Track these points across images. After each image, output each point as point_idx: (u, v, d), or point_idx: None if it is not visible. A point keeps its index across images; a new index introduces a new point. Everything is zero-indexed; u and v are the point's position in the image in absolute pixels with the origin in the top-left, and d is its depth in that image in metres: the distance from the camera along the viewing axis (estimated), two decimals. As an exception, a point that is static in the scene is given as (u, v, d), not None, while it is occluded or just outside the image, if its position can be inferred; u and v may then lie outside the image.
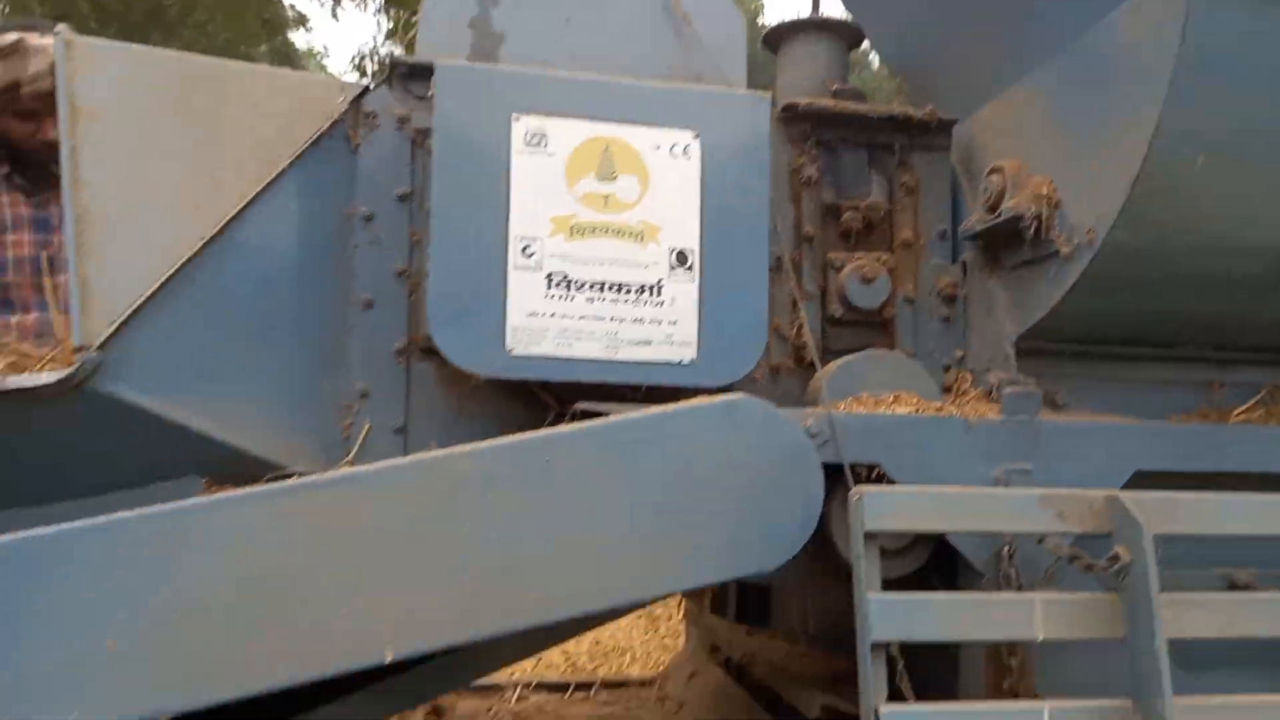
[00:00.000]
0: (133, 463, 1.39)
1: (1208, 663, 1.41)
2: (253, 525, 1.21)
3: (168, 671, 1.19)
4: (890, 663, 1.26)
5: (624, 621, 5.63)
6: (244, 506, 1.21)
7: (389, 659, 1.24)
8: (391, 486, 1.25)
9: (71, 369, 1.26)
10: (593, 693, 2.84)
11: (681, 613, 5.45)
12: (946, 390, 1.65)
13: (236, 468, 1.38)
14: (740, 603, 2.63)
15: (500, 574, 1.26)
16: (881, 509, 1.25)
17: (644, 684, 2.91)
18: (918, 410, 1.49)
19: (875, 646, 1.24)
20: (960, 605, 1.28)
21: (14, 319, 2.05)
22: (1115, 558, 1.27)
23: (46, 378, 1.26)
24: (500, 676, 2.91)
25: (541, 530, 1.28)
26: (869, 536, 1.27)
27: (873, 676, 1.24)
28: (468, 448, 1.29)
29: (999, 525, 1.30)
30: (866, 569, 1.25)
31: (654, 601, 1.42)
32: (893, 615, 1.25)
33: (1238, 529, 1.33)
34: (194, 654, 1.20)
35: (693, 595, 2.88)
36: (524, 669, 3.18)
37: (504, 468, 1.28)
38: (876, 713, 1.23)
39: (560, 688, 2.86)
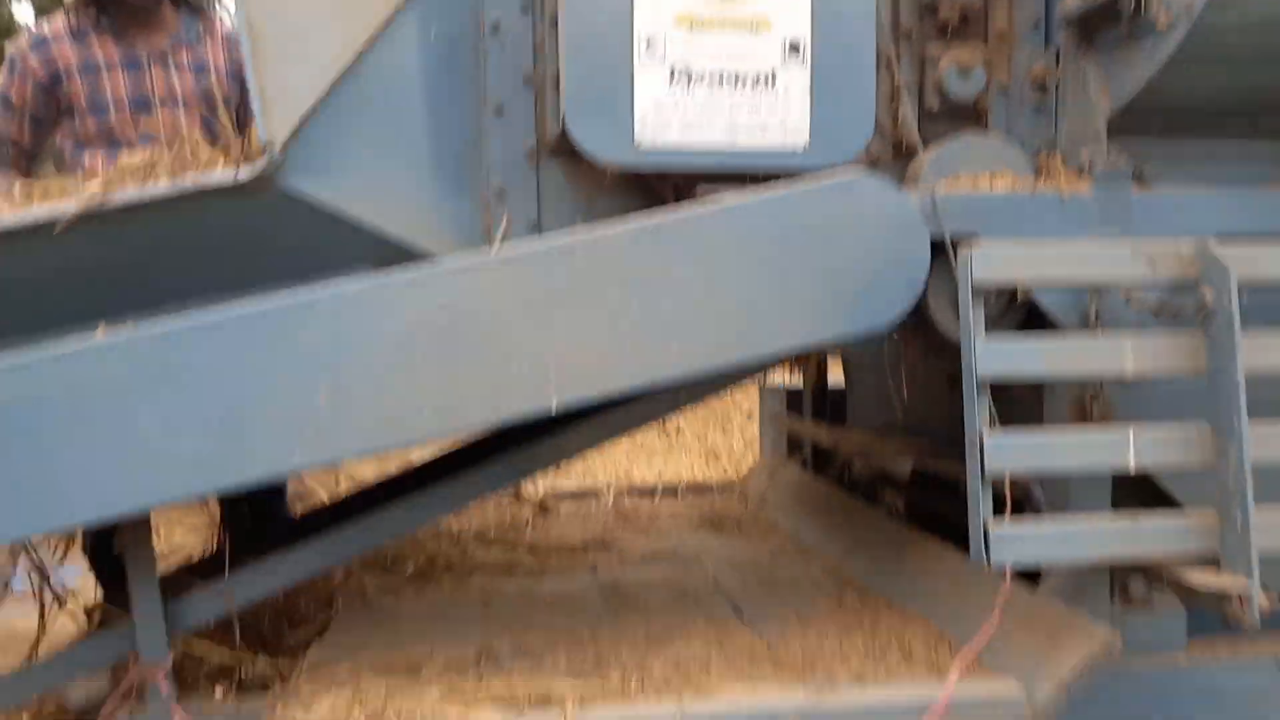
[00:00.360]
0: (310, 257, 1.56)
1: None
2: (441, 293, 1.39)
3: (369, 420, 1.41)
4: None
5: (685, 459, 5.98)
6: (433, 279, 1.39)
7: (554, 407, 1.45)
8: (555, 259, 1.42)
9: (262, 164, 1.42)
10: (679, 495, 3.11)
11: (744, 444, 5.75)
12: (1037, 175, 1.76)
13: (397, 259, 1.55)
14: (817, 404, 2.84)
15: (647, 333, 1.45)
16: (989, 262, 1.40)
17: (725, 487, 3.18)
18: (1014, 187, 1.61)
19: (981, 383, 1.42)
20: (1058, 344, 1.44)
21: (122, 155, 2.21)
22: (1201, 300, 1.41)
23: (241, 173, 1.42)
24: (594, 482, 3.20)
25: (683, 295, 1.45)
26: (977, 289, 1.42)
27: (978, 411, 1.42)
28: (617, 225, 1.45)
29: (1095, 275, 1.44)
30: (974, 317, 1.41)
31: (782, 359, 1.59)
32: (997, 355, 1.41)
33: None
34: (390, 405, 1.41)
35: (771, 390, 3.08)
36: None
37: (647, 241, 1.44)
38: (981, 440, 1.42)
39: (649, 492, 3.13)
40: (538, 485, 3.07)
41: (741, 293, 1.45)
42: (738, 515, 2.78)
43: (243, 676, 1.73)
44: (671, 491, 3.11)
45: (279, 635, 1.97)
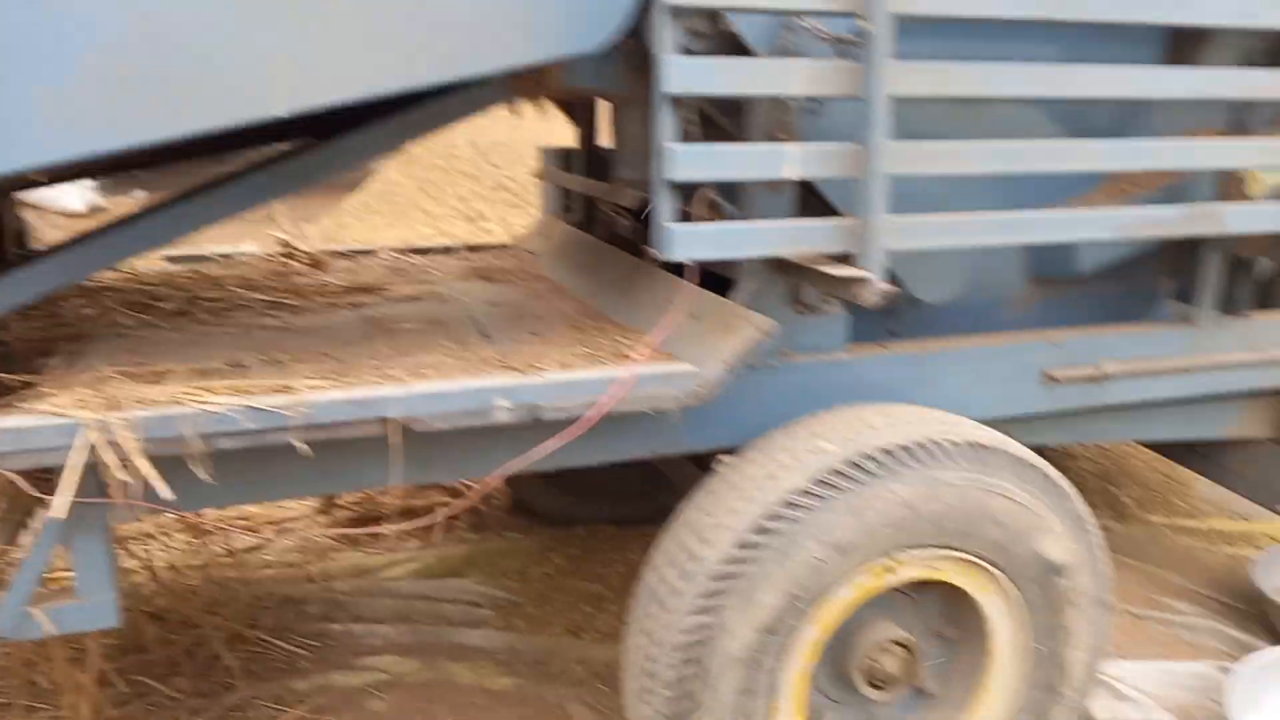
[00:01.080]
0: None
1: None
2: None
3: (89, 119, 1.41)
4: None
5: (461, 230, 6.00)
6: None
7: (283, 112, 1.49)
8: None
9: None
10: (455, 254, 3.22)
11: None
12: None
13: None
14: (589, 162, 2.99)
15: (363, 43, 1.49)
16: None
17: (502, 247, 3.32)
18: (722, -80, 1.72)
19: (668, 97, 1.58)
20: (736, 63, 1.62)
21: None
22: (862, 31, 1.61)
23: None
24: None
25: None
26: (675, 10, 1.54)
27: (665, 122, 1.59)
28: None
29: (778, 2, 1.60)
30: (667, 35, 1.55)
31: (496, 73, 1.68)
32: (683, 71, 1.57)
33: (977, 11, 1.68)
34: (107, 104, 1.41)
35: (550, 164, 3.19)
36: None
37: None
38: (664, 149, 1.60)
39: (425, 251, 3.22)
40: (312, 243, 3.08)
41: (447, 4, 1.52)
42: (509, 268, 2.94)
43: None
44: (446, 250, 3.22)
45: (31, 365, 1.98)
